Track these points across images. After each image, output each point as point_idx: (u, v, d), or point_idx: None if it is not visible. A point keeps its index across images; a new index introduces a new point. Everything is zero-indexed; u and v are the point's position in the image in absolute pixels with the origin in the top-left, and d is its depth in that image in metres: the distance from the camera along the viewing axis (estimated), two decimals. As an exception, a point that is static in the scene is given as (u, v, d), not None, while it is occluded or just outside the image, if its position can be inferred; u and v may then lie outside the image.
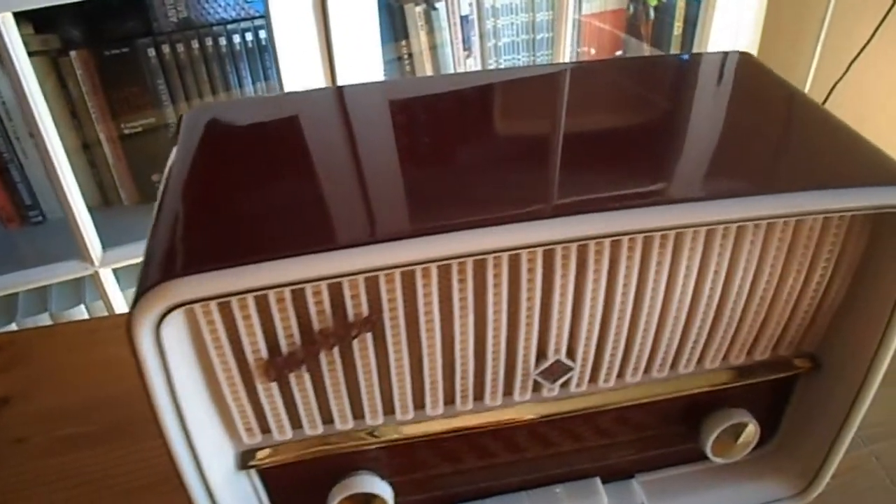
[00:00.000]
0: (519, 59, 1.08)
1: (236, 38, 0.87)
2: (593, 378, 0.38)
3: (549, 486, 0.43)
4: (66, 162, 0.75)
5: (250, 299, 0.31)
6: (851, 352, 0.39)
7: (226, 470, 0.36)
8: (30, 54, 0.81)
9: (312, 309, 0.32)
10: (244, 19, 0.87)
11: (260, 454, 0.37)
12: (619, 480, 0.44)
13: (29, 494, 0.49)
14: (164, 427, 0.32)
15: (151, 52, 0.84)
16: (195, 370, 0.33)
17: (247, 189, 0.34)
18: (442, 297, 0.33)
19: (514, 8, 1.04)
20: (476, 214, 0.31)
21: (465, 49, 1.04)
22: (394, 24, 0.97)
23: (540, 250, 0.32)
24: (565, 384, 0.38)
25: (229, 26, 0.87)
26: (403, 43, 0.99)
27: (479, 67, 1.06)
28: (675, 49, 1.10)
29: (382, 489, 0.40)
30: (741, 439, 0.42)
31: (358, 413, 0.37)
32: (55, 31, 0.80)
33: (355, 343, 0.33)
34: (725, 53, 0.48)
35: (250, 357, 0.33)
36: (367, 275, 0.31)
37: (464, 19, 1.01)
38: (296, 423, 0.36)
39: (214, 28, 0.86)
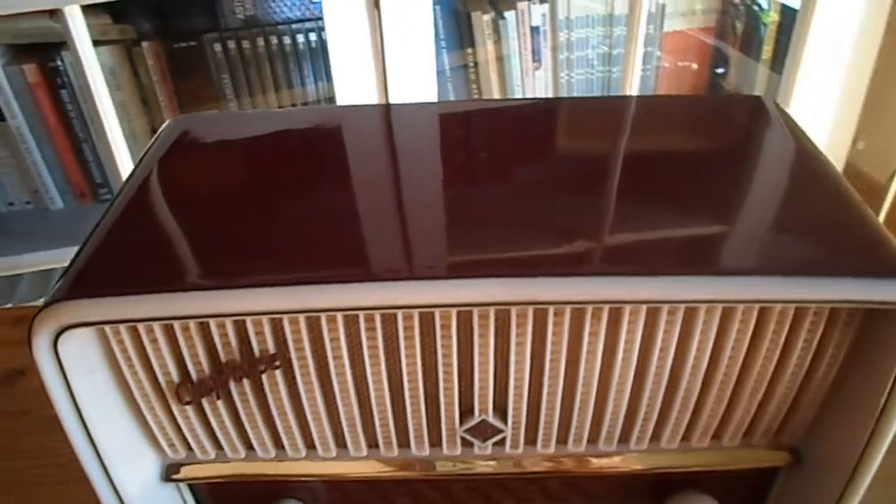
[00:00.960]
0: (593, 75, 1.04)
1: (300, 38, 0.89)
2: (530, 441, 0.36)
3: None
4: (123, 146, 0.79)
5: (157, 326, 0.31)
6: (836, 449, 0.34)
7: (146, 480, 0.36)
8: (107, 43, 0.86)
9: (218, 342, 0.31)
10: (308, 20, 0.88)
11: (184, 470, 0.37)
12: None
13: (24, 465, 0.51)
14: (69, 434, 0.32)
15: (217, 47, 0.87)
16: (112, 383, 0.33)
17: (184, 214, 0.34)
18: (351, 345, 0.31)
19: (591, 21, 0.99)
20: (386, 267, 0.29)
21: (534, 61, 1.01)
22: (460, 31, 0.96)
23: (454, 310, 0.30)
24: (500, 444, 0.36)
25: (293, 26, 0.88)
26: (469, 51, 0.97)
27: (548, 80, 1.03)
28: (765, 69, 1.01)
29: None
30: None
31: (279, 444, 0.36)
32: (131, 23, 0.85)
33: (265, 378, 0.33)
34: (743, 97, 0.43)
35: (162, 380, 0.33)
36: (272, 316, 0.30)
37: (534, 30, 0.98)
38: (217, 444, 0.36)
39: (279, 27, 0.88)
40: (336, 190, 0.35)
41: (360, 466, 0.36)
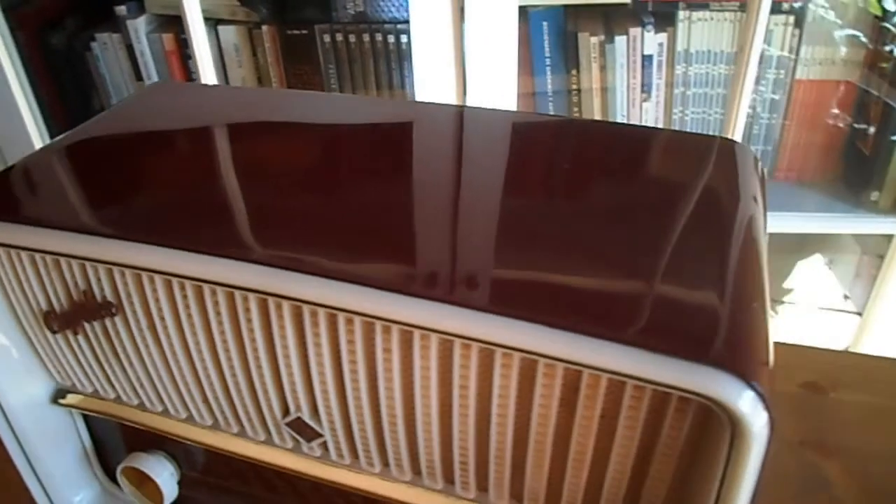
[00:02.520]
0: (709, 115, 0.95)
1: (403, 38, 0.91)
2: (354, 454, 0.34)
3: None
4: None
5: (23, 255, 0.34)
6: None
7: (34, 399, 0.40)
8: (234, 22, 0.95)
9: (70, 281, 0.34)
10: (413, 22, 0.90)
11: (70, 397, 0.40)
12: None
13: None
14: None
15: (327, 38, 0.92)
16: (4, 302, 0.37)
17: (91, 163, 0.37)
18: (173, 310, 0.32)
19: (713, 56, 0.91)
20: (213, 242, 0.30)
21: (642, 92, 0.95)
22: (566, 52, 0.93)
23: (253, 296, 0.29)
24: (326, 449, 0.34)
25: (399, 25, 0.91)
26: (574, 74, 0.94)
27: (659, 115, 0.96)
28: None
29: (162, 476, 0.40)
30: None
31: (139, 395, 0.38)
32: (252, 7, 0.92)
33: (115, 325, 0.34)
34: (721, 139, 0.38)
35: (34, 306, 0.36)
36: (107, 265, 0.32)
37: (646, 59, 0.92)
38: (92, 382, 0.39)
39: (386, 25, 0.91)
40: (238, 167, 0.37)
41: (205, 436, 0.37)
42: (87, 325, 0.35)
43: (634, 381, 0.24)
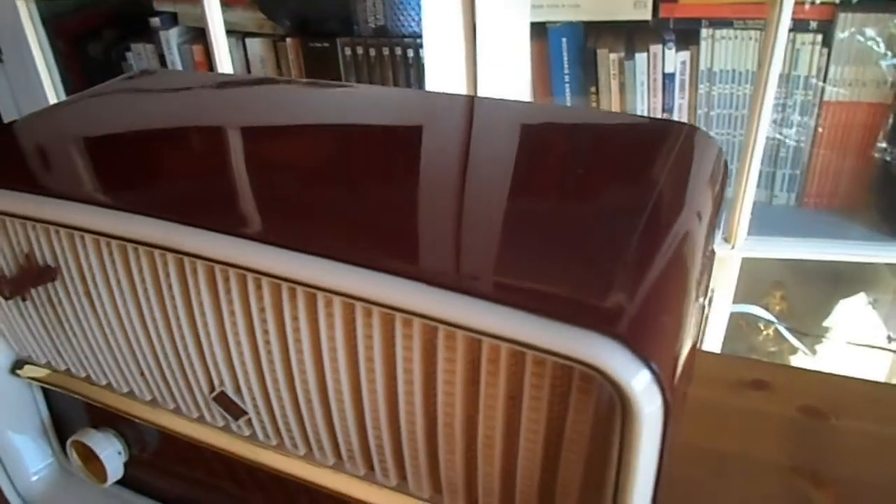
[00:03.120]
0: (734, 137, 0.92)
1: (422, 53, 0.92)
2: (278, 433, 0.33)
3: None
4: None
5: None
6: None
7: (-7, 368, 0.40)
8: (261, 35, 0.97)
9: (14, 243, 0.34)
10: (432, 36, 0.91)
11: (27, 368, 0.41)
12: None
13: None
14: None
15: (348, 51, 0.94)
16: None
17: (63, 134, 0.38)
18: (102, 273, 0.32)
19: (737, 76, 0.89)
20: (150, 204, 0.29)
21: (664, 112, 0.93)
22: (585, 69, 0.91)
23: (171, 257, 0.29)
24: (253, 428, 0.34)
25: (418, 40, 0.92)
26: (593, 91, 0.92)
27: (681, 135, 0.94)
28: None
29: (107, 452, 0.40)
30: None
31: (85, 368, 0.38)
32: (278, 21, 0.95)
33: (52, 290, 0.35)
34: (678, 124, 0.36)
35: (-11, 270, 0.36)
36: (44, 225, 0.32)
37: (667, 77, 0.90)
38: (44, 352, 0.39)
39: (405, 39, 0.92)
40: (186, 139, 0.37)
41: (144, 411, 0.37)
42: (33, 293, 0.36)
43: (529, 350, 0.23)
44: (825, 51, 0.84)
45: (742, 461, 0.47)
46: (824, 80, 0.85)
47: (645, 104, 0.92)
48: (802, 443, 0.49)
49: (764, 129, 0.79)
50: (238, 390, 0.32)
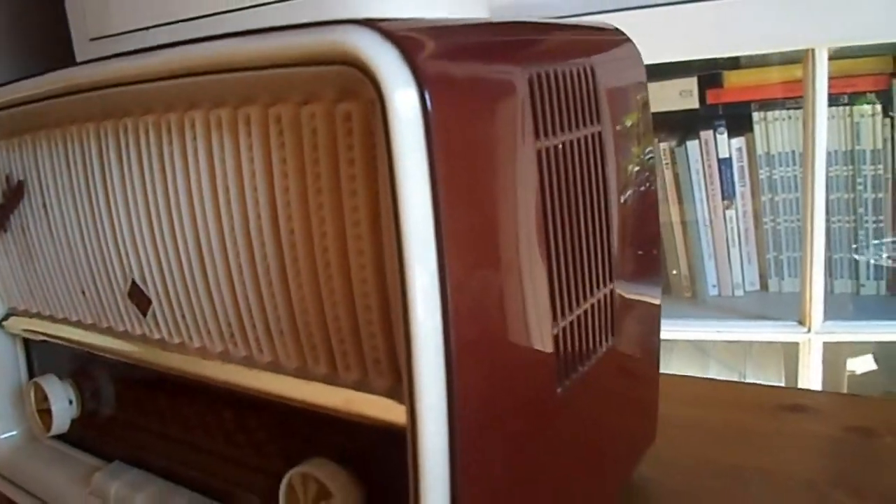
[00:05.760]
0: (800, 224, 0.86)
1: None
2: (175, 323, 0.33)
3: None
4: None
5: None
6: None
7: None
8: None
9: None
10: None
11: (11, 320, 0.43)
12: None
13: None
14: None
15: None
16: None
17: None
18: (52, 177, 0.35)
19: (798, 158, 0.85)
20: None
21: (724, 199, 0.89)
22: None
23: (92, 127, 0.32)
24: (158, 325, 0.34)
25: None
26: (648, 181, 0.92)
27: (747, 222, 0.89)
28: None
29: (56, 395, 0.40)
30: (316, 497, 0.28)
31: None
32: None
33: (23, 213, 0.38)
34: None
35: (-20, 209, 0.41)
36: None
37: (723, 163, 0.88)
38: (22, 296, 0.42)
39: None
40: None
41: (86, 336, 0.38)
42: (12, 220, 0.39)
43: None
44: (888, 120, 0.80)
45: (772, 475, 0.39)
46: (893, 151, 0.80)
47: (703, 192, 0.89)
48: (843, 460, 0.40)
49: (820, 213, 0.74)
50: (143, 277, 0.33)
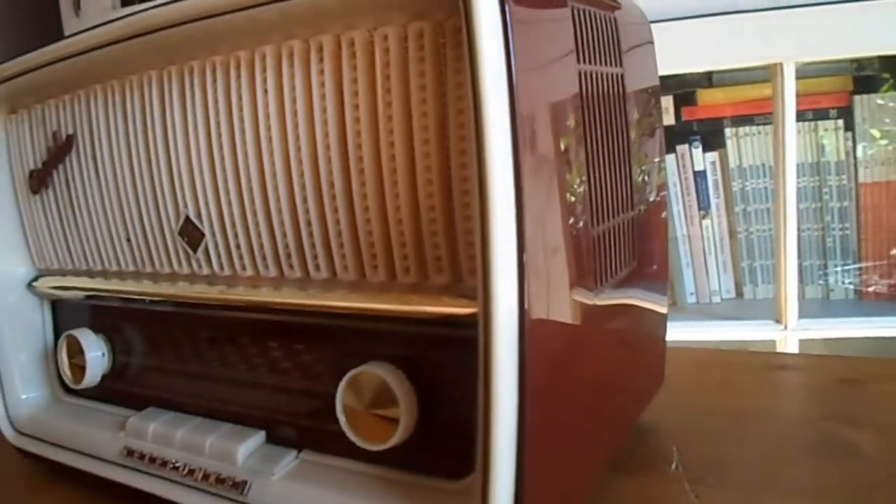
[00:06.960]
0: (772, 232, 0.92)
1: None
2: (229, 254, 0.35)
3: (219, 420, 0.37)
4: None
5: (24, 115, 0.42)
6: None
7: (10, 280, 0.45)
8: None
9: (47, 127, 0.41)
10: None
11: (41, 280, 0.45)
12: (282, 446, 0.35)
13: None
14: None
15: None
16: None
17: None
18: (105, 126, 0.38)
19: (768, 170, 0.91)
20: None
21: (700, 209, 0.94)
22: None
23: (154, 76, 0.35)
24: (209, 259, 0.36)
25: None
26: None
27: (722, 232, 0.94)
28: None
29: (91, 346, 0.42)
30: (374, 400, 0.30)
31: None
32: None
33: (68, 168, 0.40)
34: None
35: (25, 169, 0.43)
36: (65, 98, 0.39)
37: (698, 175, 0.94)
38: (58, 252, 0.43)
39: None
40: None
41: (127, 285, 0.39)
42: (55, 176, 0.41)
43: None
44: (849, 134, 0.86)
45: (768, 413, 0.42)
46: (855, 163, 0.86)
47: (680, 204, 0.94)
48: (838, 400, 0.44)
49: (792, 223, 0.79)
50: (198, 212, 0.35)
